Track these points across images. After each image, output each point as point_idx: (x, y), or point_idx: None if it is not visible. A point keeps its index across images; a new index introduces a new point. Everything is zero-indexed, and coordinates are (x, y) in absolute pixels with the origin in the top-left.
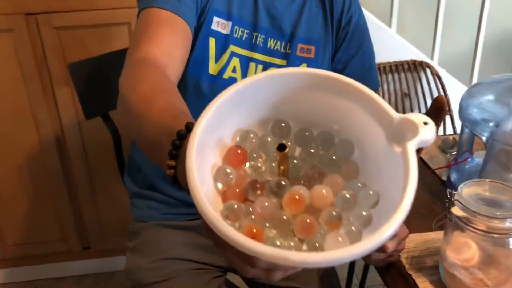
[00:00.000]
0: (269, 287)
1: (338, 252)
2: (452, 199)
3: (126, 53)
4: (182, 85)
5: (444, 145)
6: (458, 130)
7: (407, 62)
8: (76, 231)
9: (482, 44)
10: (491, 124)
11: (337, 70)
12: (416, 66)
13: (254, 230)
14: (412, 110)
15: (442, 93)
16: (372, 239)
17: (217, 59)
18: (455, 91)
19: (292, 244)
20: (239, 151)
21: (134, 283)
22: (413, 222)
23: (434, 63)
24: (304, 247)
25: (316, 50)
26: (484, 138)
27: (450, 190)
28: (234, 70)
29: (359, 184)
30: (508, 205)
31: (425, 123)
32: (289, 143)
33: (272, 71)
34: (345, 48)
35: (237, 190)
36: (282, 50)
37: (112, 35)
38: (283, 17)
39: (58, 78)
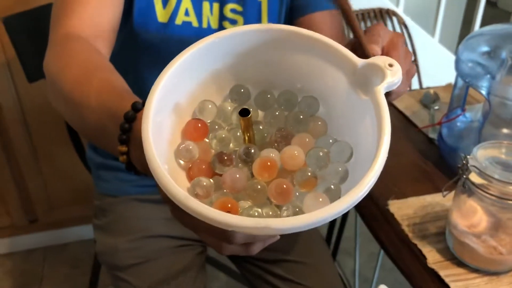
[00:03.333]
0: (255, 260)
1: (318, 212)
2: (468, 164)
3: None
4: (130, 41)
5: (425, 99)
6: (425, 84)
7: (373, 10)
8: (21, 204)
9: None
10: (487, 77)
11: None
12: (383, 14)
13: (229, 205)
14: None
15: (409, 43)
16: (352, 192)
17: (164, 3)
18: (421, 41)
19: (270, 212)
20: (199, 125)
21: (108, 266)
22: (407, 185)
23: (400, 11)
24: (284, 213)
25: None
26: (484, 93)
27: (463, 154)
28: (187, 13)
29: (330, 140)
30: None
31: (390, 65)
32: (251, 109)
33: (221, 33)
34: None
35: (203, 166)
36: None
37: None
38: None
39: None
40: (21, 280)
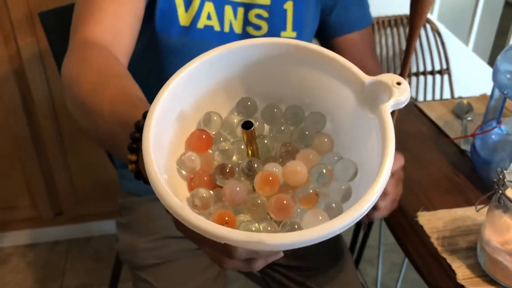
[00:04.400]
0: (276, 266)
1: (315, 229)
2: (505, 179)
3: None
4: (153, 44)
5: (458, 110)
6: (457, 93)
7: (406, 16)
8: (48, 196)
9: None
10: None
11: (328, 5)
12: None
13: (226, 218)
14: (410, 67)
15: (441, 50)
16: (351, 211)
17: (186, 6)
18: (454, 49)
19: (268, 227)
20: (203, 136)
21: (128, 264)
22: (437, 197)
23: (434, 18)
24: (282, 229)
25: None
26: None
27: (500, 168)
28: (209, 17)
29: (336, 158)
30: None
31: (398, 83)
32: (257, 123)
33: (229, 45)
34: None
35: (205, 178)
36: None
37: None
38: None
39: (21, 27)
40: (44, 271)
